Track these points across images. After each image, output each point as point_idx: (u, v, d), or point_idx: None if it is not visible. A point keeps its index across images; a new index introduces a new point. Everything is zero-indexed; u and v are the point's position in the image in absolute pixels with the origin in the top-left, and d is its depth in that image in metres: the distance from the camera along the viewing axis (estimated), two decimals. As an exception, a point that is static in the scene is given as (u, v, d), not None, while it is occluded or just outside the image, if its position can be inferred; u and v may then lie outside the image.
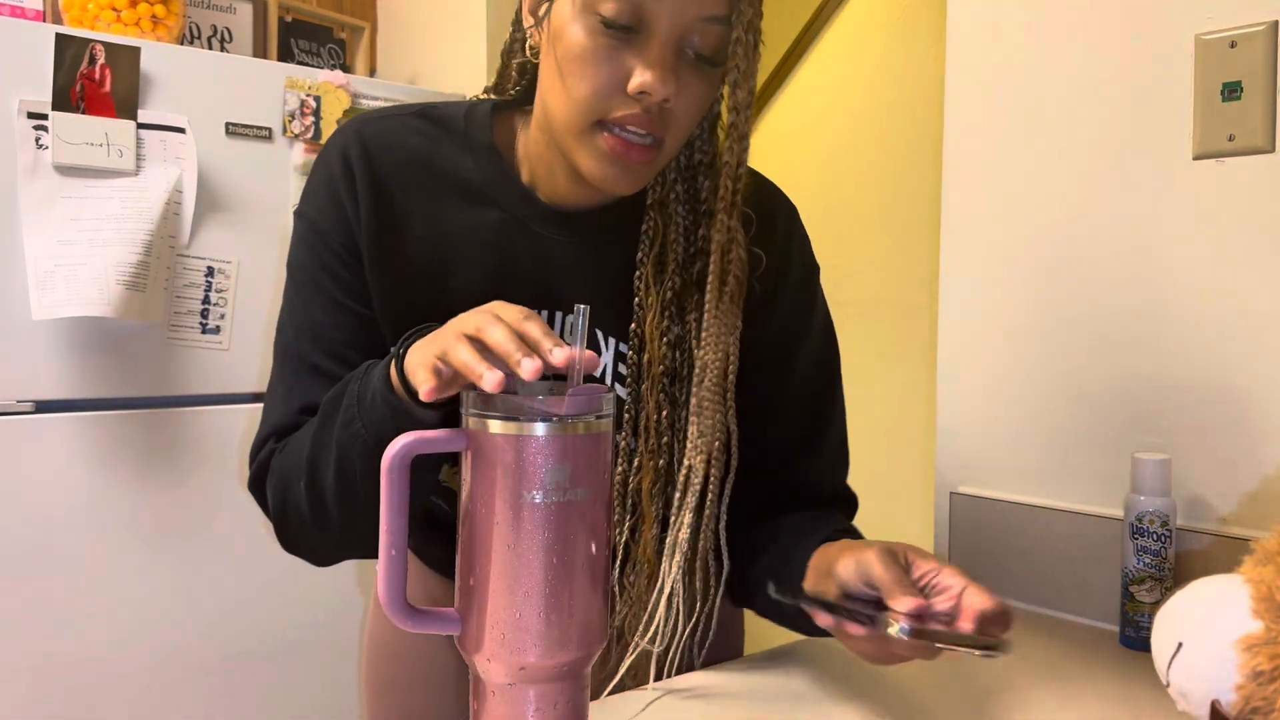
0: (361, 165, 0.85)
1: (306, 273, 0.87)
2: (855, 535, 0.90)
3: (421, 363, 0.68)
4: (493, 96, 0.92)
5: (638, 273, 0.86)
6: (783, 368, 0.94)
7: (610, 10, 0.74)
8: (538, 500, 0.63)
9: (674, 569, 0.83)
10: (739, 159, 0.83)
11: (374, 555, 0.69)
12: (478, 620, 0.65)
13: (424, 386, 0.66)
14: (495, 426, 0.63)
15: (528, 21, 0.83)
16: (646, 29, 0.75)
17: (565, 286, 0.87)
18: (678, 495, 0.84)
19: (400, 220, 0.85)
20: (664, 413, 0.86)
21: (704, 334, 0.84)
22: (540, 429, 0.62)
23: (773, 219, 0.94)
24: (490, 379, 0.61)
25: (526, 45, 0.85)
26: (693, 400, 0.84)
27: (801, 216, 0.99)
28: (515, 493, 0.63)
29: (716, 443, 0.84)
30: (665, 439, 0.86)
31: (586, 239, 0.88)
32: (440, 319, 0.71)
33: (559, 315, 0.88)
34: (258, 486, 0.86)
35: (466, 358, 0.63)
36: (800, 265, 0.96)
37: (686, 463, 0.84)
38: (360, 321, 0.86)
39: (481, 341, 0.64)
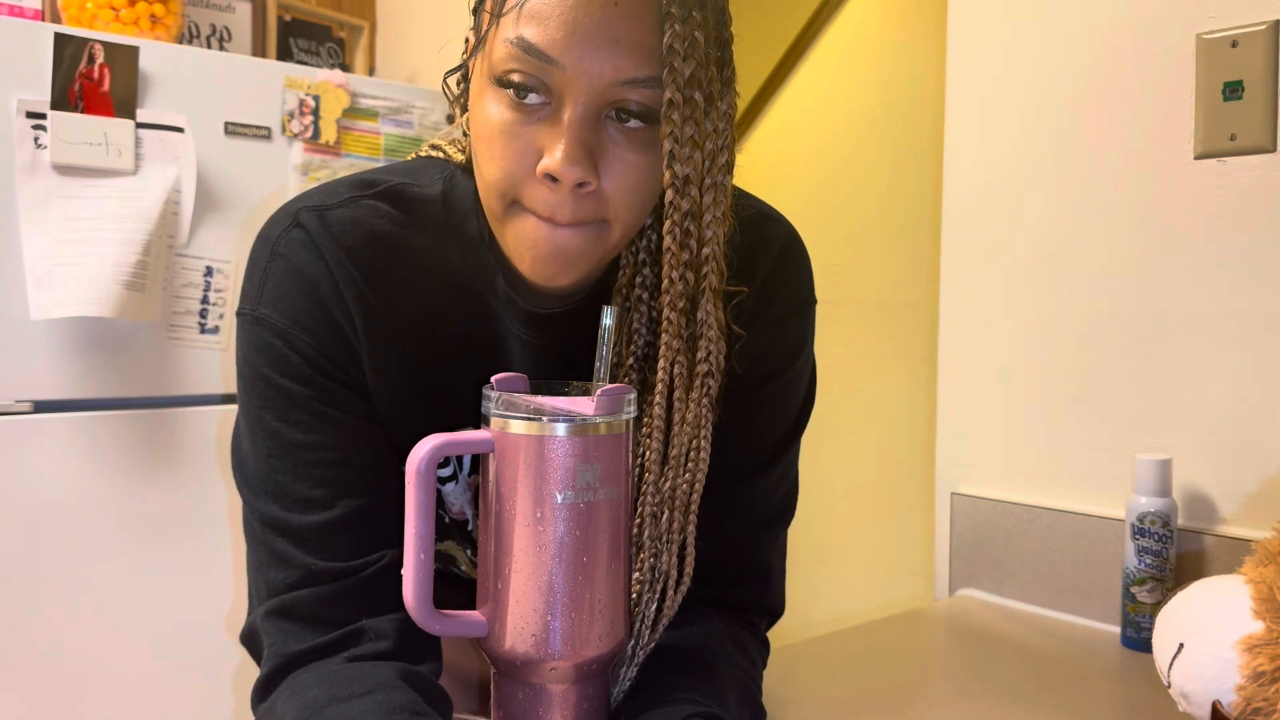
0: (340, 263, 0.72)
1: (280, 391, 0.72)
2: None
3: None
4: (452, 153, 0.80)
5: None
6: (742, 406, 0.80)
7: (514, 75, 0.64)
8: (570, 500, 0.63)
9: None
10: (682, 243, 0.68)
11: None
12: (507, 622, 0.64)
13: None
14: (526, 428, 0.63)
15: (451, 99, 0.74)
16: (557, 100, 0.64)
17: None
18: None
19: (393, 319, 0.74)
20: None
21: (649, 452, 0.71)
22: (574, 429, 0.63)
23: (754, 254, 0.80)
24: None
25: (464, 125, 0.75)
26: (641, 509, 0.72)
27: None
28: (547, 493, 0.63)
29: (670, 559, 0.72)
30: None
31: (559, 342, 0.77)
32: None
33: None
34: (259, 698, 0.72)
35: None
36: (786, 301, 0.82)
37: (635, 589, 0.72)
38: (360, 430, 0.73)
39: None
